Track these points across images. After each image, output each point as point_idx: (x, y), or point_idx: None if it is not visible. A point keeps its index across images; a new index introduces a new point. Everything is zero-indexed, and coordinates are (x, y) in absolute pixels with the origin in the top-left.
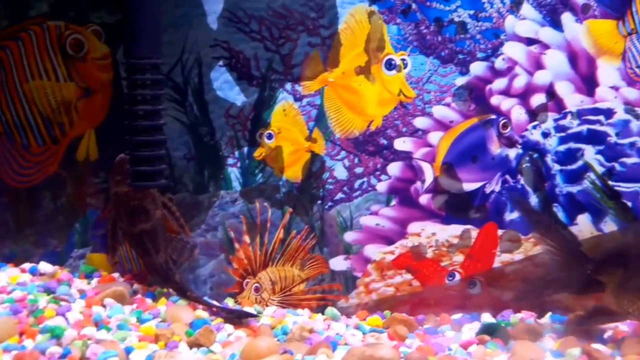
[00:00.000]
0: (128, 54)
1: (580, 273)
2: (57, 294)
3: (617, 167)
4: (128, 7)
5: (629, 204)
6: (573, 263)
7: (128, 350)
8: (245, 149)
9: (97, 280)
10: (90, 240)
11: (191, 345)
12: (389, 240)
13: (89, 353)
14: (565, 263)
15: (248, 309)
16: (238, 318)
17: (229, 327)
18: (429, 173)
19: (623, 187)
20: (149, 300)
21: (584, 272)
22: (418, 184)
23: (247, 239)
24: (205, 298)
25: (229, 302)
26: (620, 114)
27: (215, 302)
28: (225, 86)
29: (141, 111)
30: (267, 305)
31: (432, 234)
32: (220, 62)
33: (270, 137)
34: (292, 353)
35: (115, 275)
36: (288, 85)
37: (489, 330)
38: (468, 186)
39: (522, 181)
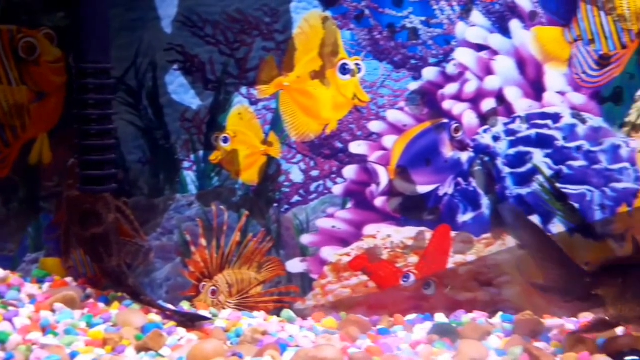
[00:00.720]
0: (77, 58)
1: (579, 286)
2: (5, 299)
3: (565, 170)
4: (76, 11)
5: (576, 205)
6: (572, 276)
7: (73, 355)
8: (201, 153)
9: (49, 284)
10: (44, 244)
11: (139, 350)
12: (345, 242)
13: (32, 358)
14: (564, 276)
15: (203, 312)
16: (191, 321)
17: (181, 331)
18: (383, 176)
19: (570, 189)
20: (101, 305)
21: (584, 284)
22: (373, 186)
23: (203, 242)
24: (160, 302)
25: (185, 306)
26: (567, 119)
27: (169, 306)
28: (181, 90)
29: (90, 115)
30: (223, 308)
31: (387, 236)
32: (175, 66)
33: (226, 140)
34: (241, 356)
35: (69, 279)
36: (243, 89)
37: (439, 330)
38: (422, 189)
39: (474, 184)
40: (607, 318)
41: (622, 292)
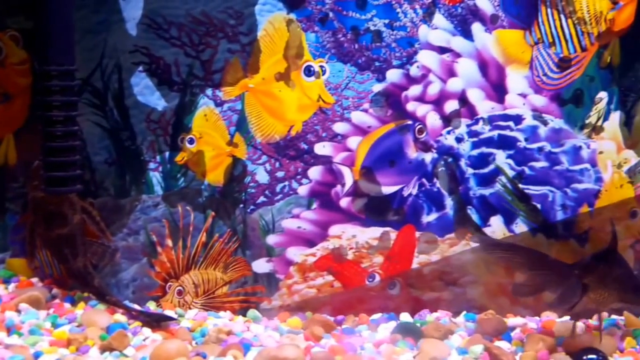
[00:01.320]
0: (41, 60)
1: (572, 280)
2: None
3: (527, 170)
4: (40, 13)
5: (538, 205)
6: (563, 274)
7: (37, 355)
8: (167, 154)
9: (15, 285)
10: (10, 245)
11: (103, 350)
12: (310, 242)
13: None
14: (556, 276)
15: (169, 312)
16: (156, 321)
17: (146, 331)
18: (348, 177)
19: (532, 189)
20: (67, 305)
21: (572, 277)
22: (338, 187)
23: (169, 242)
24: (126, 302)
25: (151, 306)
26: (529, 120)
27: (135, 306)
28: (146, 91)
29: (55, 117)
30: (190, 308)
31: (352, 236)
32: (140, 68)
33: (191, 141)
34: (204, 355)
35: (35, 280)
36: (209, 91)
37: (403, 330)
38: (386, 189)
39: (437, 184)
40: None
41: (602, 277)
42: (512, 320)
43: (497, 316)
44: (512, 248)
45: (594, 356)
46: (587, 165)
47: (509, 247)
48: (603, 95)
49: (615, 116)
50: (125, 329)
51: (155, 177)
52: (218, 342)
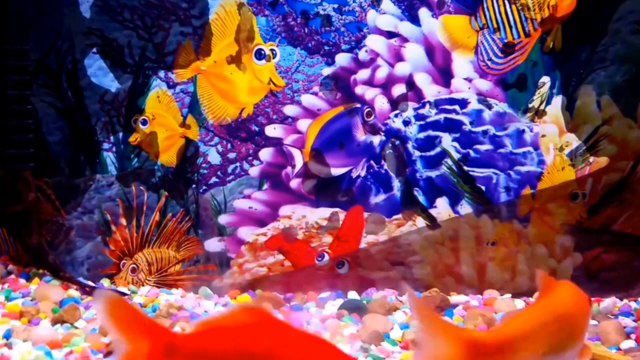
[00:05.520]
0: None
1: None
2: None
3: (472, 153)
4: None
5: (483, 188)
6: None
7: None
8: (120, 134)
9: None
10: None
11: (55, 322)
12: (261, 222)
13: None
14: None
15: (122, 288)
16: None
17: None
18: (298, 158)
19: (477, 172)
20: (22, 281)
21: None
22: (288, 168)
23: (123, 221)
24: (80, 278)
25: (105, 283)
26: (474, 104)
27: (88, 282)
28: (100, 73)
29: (9, 96)
30: (143, 286)
31: (302, 217)
32: (94, 50)
33: (144, 123)
34: None
35: None
36: (161, 73)
37: (349, 306)
38: (336, 171)
39: (385, 166)
40: None
41: None
42: (455, 298)
43: (440, 294)
44: None
45: None
46: (530, 149)
47: None
48: (546, 79)
49: (558, 100)
50: (78, 303)
51: (109, 157)
52: (168, 317)
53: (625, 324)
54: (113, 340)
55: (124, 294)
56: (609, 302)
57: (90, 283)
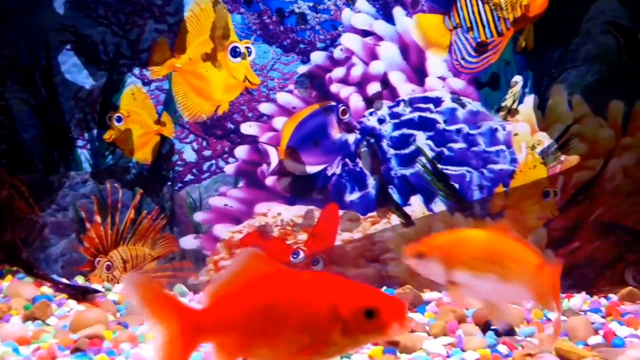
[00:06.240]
0: None
1: None
2: None
3: (446, 151)
4: None
5: (456, 185)
6: None
7: None
8: (95, 131)
9: None
10: None
11: (26, 319)
12: (237, 220)
13: None
14: None
15: (96, 286)
16: (82, 294)
17: (72, 303)
18: (274, 156)
19: (451, 170)
20: None
21: None
22: (264, 166)
23: (98, 218)
24: (54, 276)
25: (80, 280)
26: (448, 103)
27: (62, 279)
28: (74, 69)
29: None
30: (118, 283)
31: (277, 214)
32: (68, 46)
33: (119, 120)
34: (126, 325)
35: None
36: (136, 70)
37: None
38: (311, 169)
39: (360, 164)
40: None
41: None
42: (428, 295)
43: (414, 291)
44: None
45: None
46: (503, 147)
47: None
48: (518, 79)
49: (530, 99)
50: (51, 300)
51: (84, 154)
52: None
53: (594, 320)
54: (146, 322)
55: (97, 291)
56: (579, 298)
57: (64, 280)
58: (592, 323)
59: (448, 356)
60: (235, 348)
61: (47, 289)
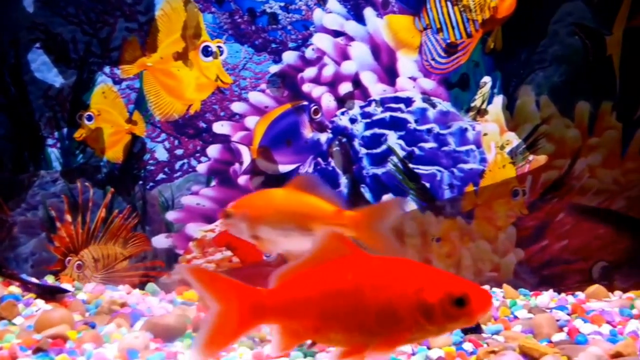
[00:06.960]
0: None
1: None
2: None
3: (417, 151)
4: None
5: (427, 185)
6: None
7: None
8: (65, 130)
9: None
10: None
11: None
12: (209, 219)
13: None
14: None
15: (66, 285)
16: (51, 293)
17: (40, 303)
18: (246, 155)
19: (422, 169)
20: None
21: None
22: (236, 165)
23: (68, 217)
24: (23, 275)
25: (50, 279)
26: (419, 103)
27: (31, 279)
28: (44, 68)
29: None
30: (89, 282)
31: None
32: (38, 44)
33: (90, 118)
34: (93, 325)
35: None
36: (107, 69)
37: None
38: (283, 168)
39: (332, 163)
40: None
41: None
42: None
43: None
44: None
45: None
46: (473, 147)
47: None
48: (487, 79)
49: (498, 100)
50: (18, 300)
51: (54, 153)
52: (109, 313)
53: (559, 317)
54: (206, 304)
55: (66, 291)
56: (546, 295)
57: (34, 280)
58: (557, 320)
59: (413, 354)
60: (305, 330)
61: (15, 289)
